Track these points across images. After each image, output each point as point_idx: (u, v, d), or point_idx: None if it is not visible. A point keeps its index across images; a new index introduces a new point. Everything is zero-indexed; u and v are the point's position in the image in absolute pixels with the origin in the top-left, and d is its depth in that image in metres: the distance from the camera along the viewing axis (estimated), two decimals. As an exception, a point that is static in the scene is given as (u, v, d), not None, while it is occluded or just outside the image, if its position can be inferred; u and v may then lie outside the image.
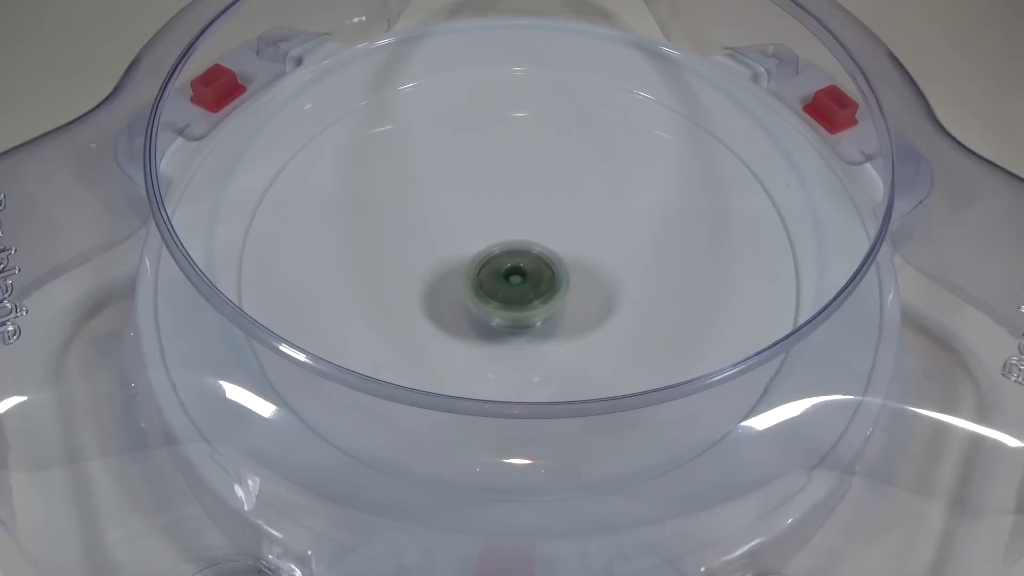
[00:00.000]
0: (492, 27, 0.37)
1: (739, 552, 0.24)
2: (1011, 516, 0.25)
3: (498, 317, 0.27)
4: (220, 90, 0.33)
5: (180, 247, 0.25)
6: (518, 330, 0.27)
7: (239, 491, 0.24)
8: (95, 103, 0.30)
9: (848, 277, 0.25)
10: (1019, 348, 0.26)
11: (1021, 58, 0.42)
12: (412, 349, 0.27)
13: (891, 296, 0.28)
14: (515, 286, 0.27)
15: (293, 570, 0.24)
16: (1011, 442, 0.26)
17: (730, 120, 0.33)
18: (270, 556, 0.24)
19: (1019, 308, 0.27)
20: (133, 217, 0.29)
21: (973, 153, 0.30)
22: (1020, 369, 0.26)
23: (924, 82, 0.31)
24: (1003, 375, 0.26)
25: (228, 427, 0.25)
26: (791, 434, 0.25)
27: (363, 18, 0.37)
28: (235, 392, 0.26)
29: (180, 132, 0.32)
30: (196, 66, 0.33)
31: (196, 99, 0.33)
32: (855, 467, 0.26)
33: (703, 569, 0.24)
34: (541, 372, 0.27)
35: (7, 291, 0.27)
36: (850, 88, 0.32)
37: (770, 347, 0.24)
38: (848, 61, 0.30)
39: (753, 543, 0.24)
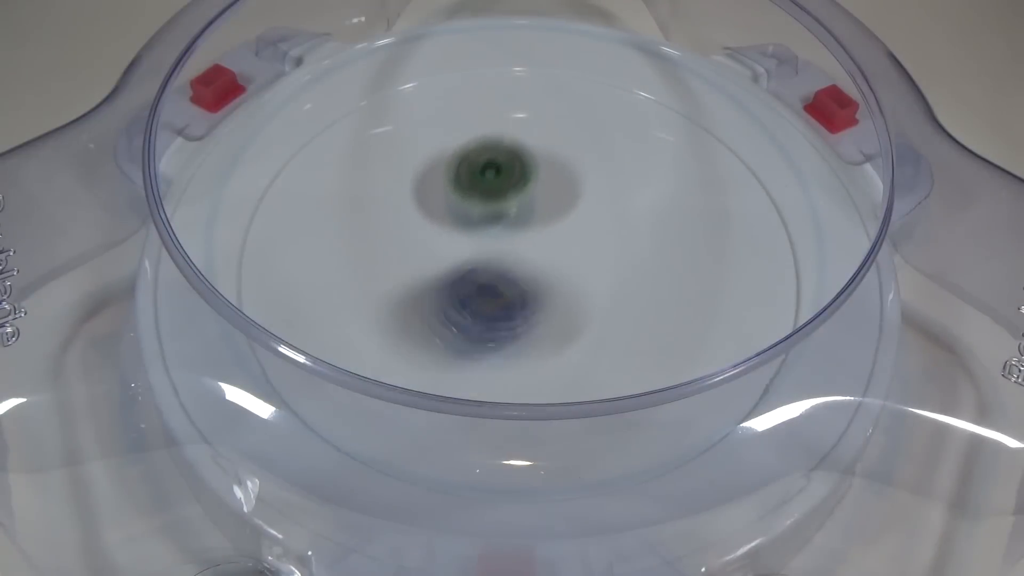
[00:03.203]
0: (492, 27, 0.37)
1: (739, 553, 0.24)
2: (1011, 517, 0.25)
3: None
4: (220, 90, 0.33)
5: (179, 248, 0.25)
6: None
7: (239, 492, 0.24)
8: (95, 103, 0.30)
9: (848, 277, 0.25)
10: (1019, 348, 0.26)
11: (1021, 58, 0.42)
12: (411, 347, 0.27)
13: (891, 296, 0.28)
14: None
15: (293, 571, 0.24)
16: (1011, 443, 0.26)
17: (730, 120, 0.33)
18: (270, 557, 0.24)
19: (1019, 308, 0.27)
20: (133, 217, 0.29)
21: (973, 153, 0.29)
22: (1020, 370, 0.26)
23: (924, 82, 0.31)
24: (1003, 376, 0.26)
25: (228, 428, 0.25)
26: (791, 435, 0.25)
27: (363, 18, 0.37)
28: (235, 393, 0.26)
29: (179, 132, 0.32)
30: (196, 66, 0.33)
31: (196, 99, 0.33)
32: (855, 468, 0.26)
33: (703, 570, 0.24)
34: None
35: (6, 293, 0.27)
36: (850, 88, 0.32)
37: (770, 347, 0.24)
38: (848, 61, 0.30)
39: (753, 544, 0.24)
